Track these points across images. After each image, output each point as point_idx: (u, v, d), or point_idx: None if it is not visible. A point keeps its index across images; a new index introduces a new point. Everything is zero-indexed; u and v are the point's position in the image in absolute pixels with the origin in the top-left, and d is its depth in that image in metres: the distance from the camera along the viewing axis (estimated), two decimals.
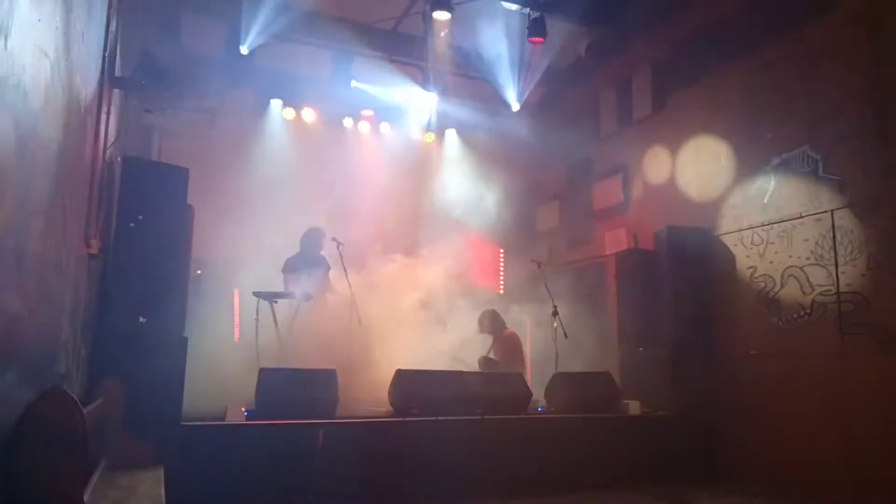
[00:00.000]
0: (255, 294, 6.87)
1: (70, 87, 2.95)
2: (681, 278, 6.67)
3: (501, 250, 10.68)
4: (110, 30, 4.08)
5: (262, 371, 5.28)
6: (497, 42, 8.65)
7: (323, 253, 7.60)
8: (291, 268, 7.34)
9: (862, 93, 5.45)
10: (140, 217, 4.59)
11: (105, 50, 3.98)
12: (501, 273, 10.59)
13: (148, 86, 4.46)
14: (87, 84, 3.48)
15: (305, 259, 7.40)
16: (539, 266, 7.32)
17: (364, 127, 10.07)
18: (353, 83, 8.85)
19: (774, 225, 6.17)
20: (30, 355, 2.49)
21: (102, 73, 3.95)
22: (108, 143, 4.22)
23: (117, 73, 4.36)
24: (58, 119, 2.72)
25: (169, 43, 7.44)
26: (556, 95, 9.89)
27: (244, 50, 7.80)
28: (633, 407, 6.31)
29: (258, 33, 7.81)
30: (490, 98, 9.55)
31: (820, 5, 5.88)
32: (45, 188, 2.59)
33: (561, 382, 6.29)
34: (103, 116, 3.94)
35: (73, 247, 3.34)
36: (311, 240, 7.53)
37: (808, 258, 5.81)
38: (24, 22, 2.08)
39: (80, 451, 2.30)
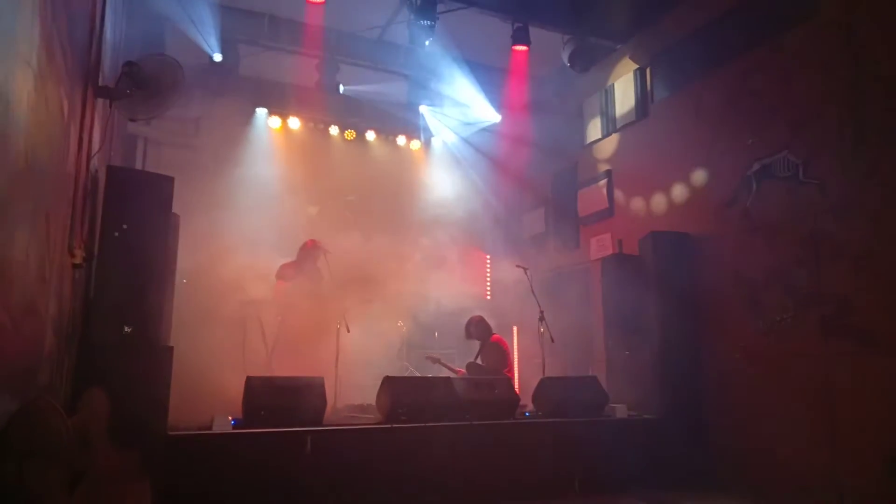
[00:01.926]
0: (242, 303, 6.84)
1: (54, 97, 2.95)
2: (666, 283, 6.73)
3: (488, 256, 10.72)
4: (94, 39, 4.08)
5: (248, 379, 5.27)
6: (481, 50, 8.72)
7: (319, 266, 7.58)
8: (285, 275, 7.32)
9: (840, 98, 5.55)
10: (125, 226, 4.58)
11: (89, 59, 3.98)
12: (488, 279, 10.63)
13: (132, 95, 4.45)
14: (71, 93, 3.48)
15: (300, 269, 7.38)
16: (525, 271, 7.35)
17: (350, 135, 10.10)
18: (342, 88, 8.84)
19: (757, 229, 6.25)
20: (13, 366, 2.49)
21: (86, 82, 3.95)
22: (93, 153, 4.21)
23: (101, 82, 4.36)
24: (41, 129, 2.72)
25: (153, 52, 7.43)
26: (540, 102, 9.96)
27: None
28: (620, 410, 6.35)
29: (236, 41, 7.84)
30: (475, 106, 9.60)
31: (799, 14, 5.98)
32: (28, 198, 2.59)
33: (548, 387, 6.32)
34: (87, 126, 3.94)
35: (58, 256, 3.33)
36: (309, 251, 7.49)
37: (790, 261, 5.89)
38: (5, 31, 2.09)
39: (65, 460, 2.29)
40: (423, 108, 9.63)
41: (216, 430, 4.84)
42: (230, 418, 4.98)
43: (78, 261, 3.87)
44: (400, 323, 8.26)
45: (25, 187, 2.51)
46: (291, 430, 4.95)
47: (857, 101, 5.42)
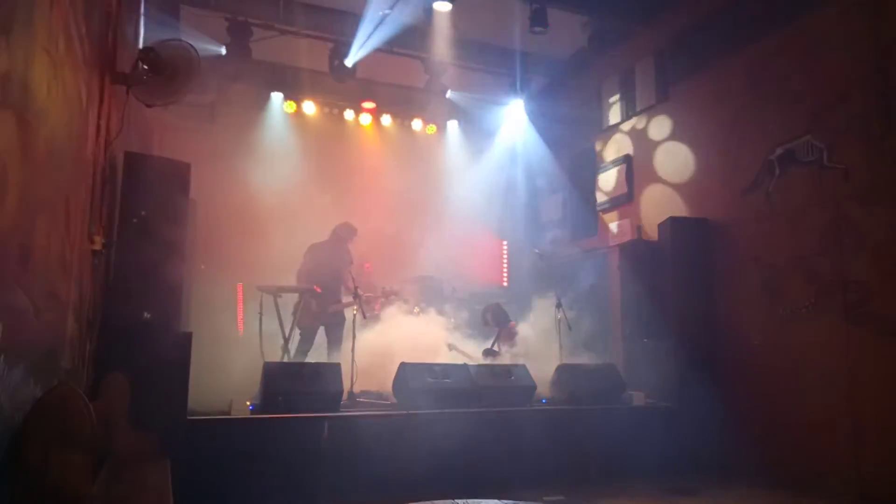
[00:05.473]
0: (259, 288, 6.87)
1: (72, 84, 2.95)
2: (684, 269, 6.66)
3: (505, 242, 10.68)
4: (111, 25, 4.07)
5: (266, 365, 5.30)
6: (499, 32, 8.61)
7: (349, 247, 7.58)
8: (313, 255, 7.32)
9: (866, 80, 5.41)
10: (143, 212, 4.60)
11: (106, 46, 3.98)
12: (505, 265, 10.59)
13: (149, 81, 4.44)
14: (89, 80, 3.48)
15: (330, 251, 7.38)
16: (542, 257, 7.32)
17: (365, 119, 10.06)
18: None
19: (779, 215, 6.15)
20: (36, 351, 2.51)
21: (103, 69, 3.95)
22: (111, 139, 4.22)
23: (118, 68, 4.36)
24: (60, 115, 2.72)
25: (169, 37, 7.44)
26: (558, 85, 9.85)
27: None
28: (638, 398, 6.32)
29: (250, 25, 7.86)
30: (492, 89, 9.52)
31: None
32: (49, 185, 2.60)
33: (565, 374, 6.30)
34: (105, 112, 3.95)
35: (77, 242, 3.35)
36: (343, 233, 7.50)
37: (812, 248, 5.79)
38: (24, 19, 2.08)
39: (88, 444, 2.32)
40: (438, 92, 9.54)
41: (234, 414, 4.88)
42: (248, 403, 5.02)
43: (97, 247, 3.89)
44: (416, 309, 8.27)
45: (45, 174, 2.51)
46: (309, 416, 4.98)
47: (883, 82, 5.29)
